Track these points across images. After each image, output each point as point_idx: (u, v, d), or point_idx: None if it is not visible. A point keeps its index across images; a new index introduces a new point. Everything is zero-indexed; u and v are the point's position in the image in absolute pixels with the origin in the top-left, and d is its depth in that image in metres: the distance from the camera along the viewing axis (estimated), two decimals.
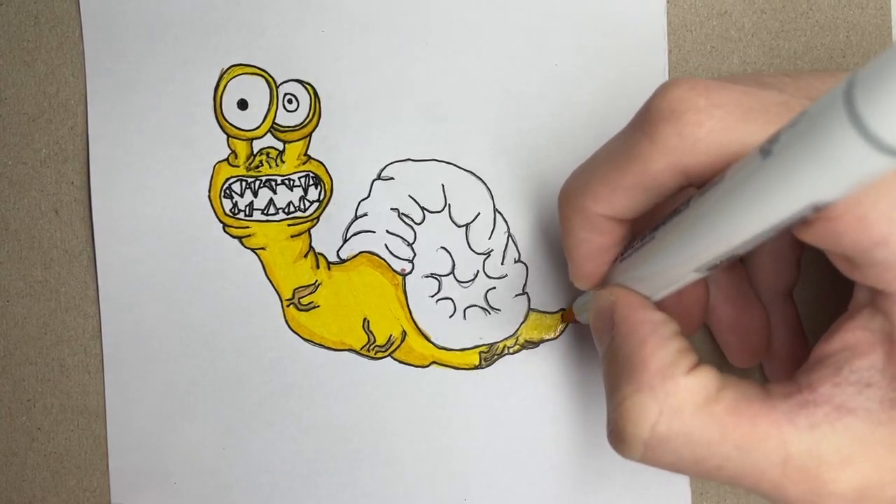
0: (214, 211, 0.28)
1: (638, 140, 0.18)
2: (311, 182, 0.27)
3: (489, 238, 0.27)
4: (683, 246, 0.18)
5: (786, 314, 0.24)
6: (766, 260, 0.24)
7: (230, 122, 0.27)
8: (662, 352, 0.19)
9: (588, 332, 0.25)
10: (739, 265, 0.24)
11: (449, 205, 0.27)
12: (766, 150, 0.15)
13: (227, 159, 0.28)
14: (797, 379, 0.19)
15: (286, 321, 0.28)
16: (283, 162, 0.27)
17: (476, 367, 0.28)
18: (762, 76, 0.21)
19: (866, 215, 0.16)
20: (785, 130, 0.15)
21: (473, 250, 0.27)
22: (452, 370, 0.28)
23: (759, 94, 0.18)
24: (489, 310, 0.27)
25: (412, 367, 0.28)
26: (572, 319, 0.27)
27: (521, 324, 0.27)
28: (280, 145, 0.27)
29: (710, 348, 0.27)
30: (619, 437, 0.19)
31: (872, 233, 0.16)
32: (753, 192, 0.15)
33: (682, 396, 0.18)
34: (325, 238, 0.28)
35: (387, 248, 0.27)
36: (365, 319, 0.28)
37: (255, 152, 0.27)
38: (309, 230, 0.28)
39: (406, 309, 0.28)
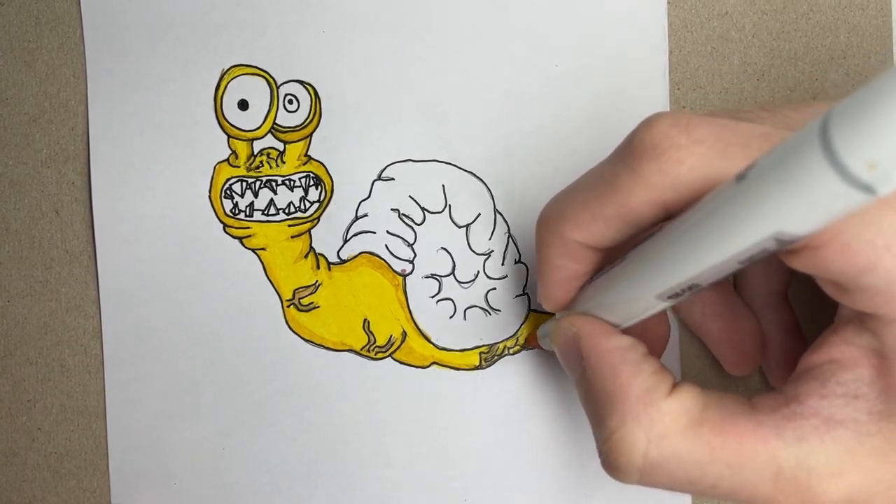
0: (215, 211, 0.28)
1: (620, 172, 0.19)
2: (312, 182, 0.27)
3: (489, 239, 0.27)
4: (645, 270, 0.19)
5: (781, 316, 0.24)
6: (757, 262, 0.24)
7: (231, 122, 0.27)
8: (638, 379, 0.19)
9: None
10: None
11: (449, 205, 0.27)
12: (742, 175, 0.15)
13: (227, 160, 0.28)
14: (783, 390, 0.19)
15: (286, 322, 0.28)
16: (284, 162, 0.27)
17: (476, 368, 0.28)
18: (739, 112, 0.21)
19: (851, 243, 0.16)
20: (763, 157, 0.15)
21: (474, 251, 0.27)
22: (453, 371, 0.28)
23: (740, 128, 0.18)
24: (489, 310, 0.27)
25: (412, 368, 0.28)
26: (534, 345, 0.27)
27: (522, 324, 0.27)
28: (280, 146, 0.27)
29: (705, 354, 0.27)
30: (613, 467, 0.19)
31: (858, 260, 0.16)
32: (721, 216, 0.16)
33: (667, 421, 0.18)
34: (326, 238, 0.28)
35: (387, 248, 0.27)
36: (365, 320, 0.28)
37: (255, 153, 0.27)
38: (309, 231, 0.28)
39: (406, 309, 0.28)
